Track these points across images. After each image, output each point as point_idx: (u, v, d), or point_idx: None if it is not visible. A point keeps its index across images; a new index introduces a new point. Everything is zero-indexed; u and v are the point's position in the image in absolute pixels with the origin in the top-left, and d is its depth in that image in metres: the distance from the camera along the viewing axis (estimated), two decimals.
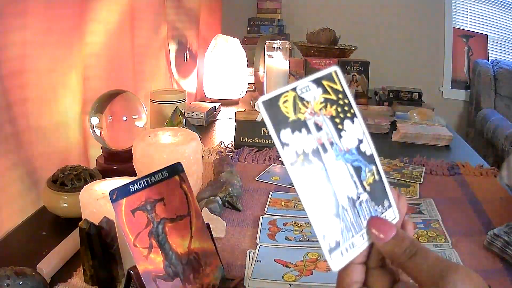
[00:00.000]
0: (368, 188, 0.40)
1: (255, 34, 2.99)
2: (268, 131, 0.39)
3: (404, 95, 1.74)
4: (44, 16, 0.89)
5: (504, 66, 3.21)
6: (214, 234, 0.63)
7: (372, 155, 0.41)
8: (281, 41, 1.47)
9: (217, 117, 1.54)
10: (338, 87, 0.40)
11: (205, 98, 1.77)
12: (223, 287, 0.61)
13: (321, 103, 0.39)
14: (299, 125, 0.38)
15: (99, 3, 1.08)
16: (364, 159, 0.40)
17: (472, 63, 3.38)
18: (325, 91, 0.39)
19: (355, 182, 0.39)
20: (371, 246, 0.40)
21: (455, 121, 3.38)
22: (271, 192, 0.94)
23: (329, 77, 0.40)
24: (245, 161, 1.12)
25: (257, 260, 0.70)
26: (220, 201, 0.85)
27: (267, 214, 0.85)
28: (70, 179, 0.81)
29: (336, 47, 1.79)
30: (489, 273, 0.68)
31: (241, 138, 1.20)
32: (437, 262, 0.37)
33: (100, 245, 0.61)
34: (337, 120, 0.39)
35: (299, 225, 0.80)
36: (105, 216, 0.61)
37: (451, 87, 3.41)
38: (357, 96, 1.70)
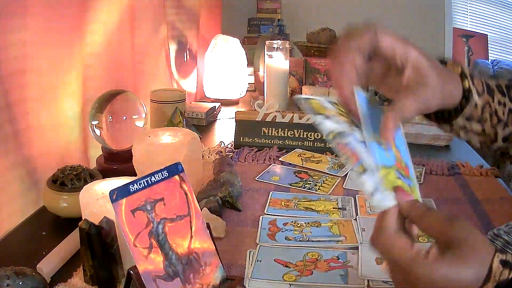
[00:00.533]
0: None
1: (255, 34, 2.99)
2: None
3: None
4: (44, 16, 0.89)
5: (504, 66, 3.21)
6: (214, 234, 0.63)
7: None
8: (281, 41, 1.47)
9: (217, 117, 1.54)
10: (343, 109, 0.53)
11: (205, 98, 1.77)
12: (223, 287, 0.61)
13: (337, 112, 0.52)
14: (327, 117, 0.51)
15: (99, 3, 1.08)
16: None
17: (472, 63, 3.38)
18: (337, 108, 0.53)
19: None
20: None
21: None
22: (271, 192, 0.94)
23: (337, 102, 0.54)
24: (245, 161, 1.12)
25: (257, 260, 0.70)
26: (220, 201, 0.85)
27: (267, 214, 0.85)
28: (70, 179, 0.81)
29: None
30: None
31: (241, 138, 1.20)
32: (445, 215, 0.45)
33: (100, 245, 0.61)
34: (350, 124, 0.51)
35: (299, 225, 0.80)
36: (105, 216, 0.61)
37: None
38: None
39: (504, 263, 0.41)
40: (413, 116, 0.52)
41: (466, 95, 0.60)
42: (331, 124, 0.49)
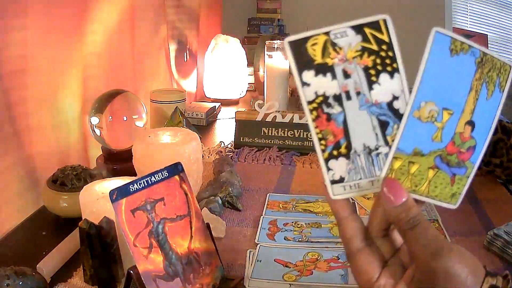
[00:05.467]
0: (391, 143, 0.39)
1: (255, 34, 2.99)
2: (294, 75, 0.39)
3: None
4: (44, 16, 0.89)
5: None
6: (214, 234, 0.63)
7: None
8: (281, 41, 1.47)
9: (217, 117, 1.54)
10: (384, 37, 0.38)
11: (205, 98, 1.77)
12: (223, 287, 0.61)
13: (358, 51, 0.38)
14: (324, 68, 0.37)
15: (99, 3, 1.08)
16: (396, 116, 0.39)
17: None
18: (366, 39, 0.38)
19: (376, 134, 0.39)
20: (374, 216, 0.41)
21: None
22: (268, 194, 0.93)
23: (375, 25, 0.38)
24: (245, 161, 1.12)
25: (257, 260, 0.70)
26: (220, 201, 0.85)
27: (267, 215, 0.85)
28: (70, 179, 0.81)
29: None
30: None
31: (241, 138, 1.20)
32: (435, 239, 0.37)
33: (100, 245, 0.61)
34: (372, 72, 0.38)
35: (299, 225, 0.80)
36: (105, 216, 0.61)
37: None
38: None
39: None
40: None
41: None
42: (323, 82, 0.38)
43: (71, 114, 1.00)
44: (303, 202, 0.90)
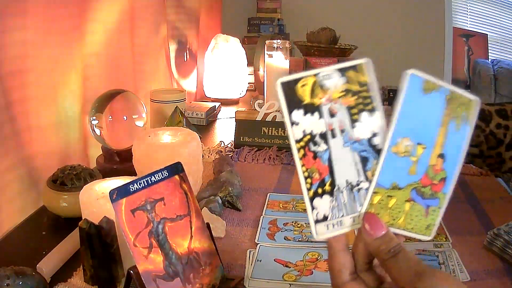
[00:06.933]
0: (370, 178, 0.42)
1: (255, 34, 2.99)
2: (282, 113, 0.41)
3: None
4: (44, 16, 0.89)
5: (504, 66, 3.21)
6: (214, 234, 0.63)
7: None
8: (281, 41, 1.47)
9: (217, 116, 1.54)
10: (365, 79, 0.41)
11: (205, 98, 1.77)
12: (223, 287, 0.61)
13: (342, 92, 0.40)
14: (312, 108, 0.40)
15: (99, 3, 1.08)
16: (374, 151, 0.41)
17: (472, 63, 3.39)
18: (349, 81, 0.40)
19: (358, 170, 0.41)
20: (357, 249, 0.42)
21: None
22: (268, 194, 0.93)
23: (357, 68, 0.40)
24: (245, 161, 1.12)
25: (257, 260, 0.70)
26: (220, 201, 0.85)
27: (267, 215, 0.85)
28: (70, 179, 0.81)
29: (336, 46, 1.79)
30: (489, 273, 0.68)
31: (241, 137, 1.20)
32: (417, 265, 0.38)
33: (100, 245, 0.61)
34: (354, 111, 0.41)
35: (299, 225, 0.80)
36: (105, 216, 0.61)
37: None
38: None
39: None
40: None
41: None
42: (311, 121, 0.39)
43: (71, 114, 1.00)
44: (303, 202, 0.89)
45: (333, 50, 1.77)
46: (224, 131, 1.39)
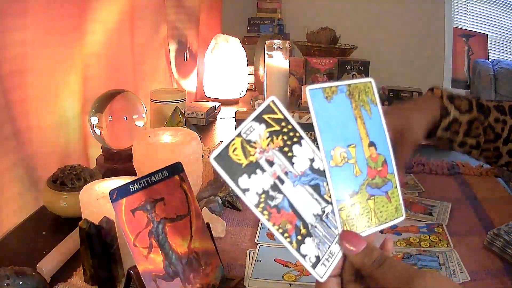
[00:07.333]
0: (330, 199, 0.42)
1: (255, 34, 2.99)
2: (229, 187, 0.42)
3: (404, 94, 1.74)
4: (44, 16, 0.89)
5: (504, 66, 3.21)
6: (214, 234, 0.63)
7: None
8: (281, 41, 1.47)
9: (217, 116, 1.54)
10: (279, 115, 0.41)
11: (205, 98, 1.77)
12: (223, 287, 0.61)
13: (267, 138, 0.40)
14: (253, 167, 0.39)
15: (99, 3, 1.08)
16: (320, 175, 0.42)
17: (472, 63, 3.39)
18: (268, 125, 0.40)
19: (316, 199, 0.42)
20: (344, 259, 0.43)
21: None
22: None
23: (268, 110, 0.41)
24: None
25: (257, 260, 0.70)
26: (220, 201, 0.85)
27: None
28: (70, 179, 0.81)
29: (336, 46, 1.79)
30: (489, 273, 0.68)
31: None
32: (404, 270, 0.39)
33: (100, 245, 0.61)
34: (286, 149, 0.41)
35: None
36: (105, 216, 0.61)
37: (451, 87, 3.41)
38: None
39: None
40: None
41: (442, 112, 0.77)
42: (258, 180, 0.39)
43: (71, 114, 1.00)
44: None
45: (333, 50, 1.77)
46: (224, 131, 1.39)
